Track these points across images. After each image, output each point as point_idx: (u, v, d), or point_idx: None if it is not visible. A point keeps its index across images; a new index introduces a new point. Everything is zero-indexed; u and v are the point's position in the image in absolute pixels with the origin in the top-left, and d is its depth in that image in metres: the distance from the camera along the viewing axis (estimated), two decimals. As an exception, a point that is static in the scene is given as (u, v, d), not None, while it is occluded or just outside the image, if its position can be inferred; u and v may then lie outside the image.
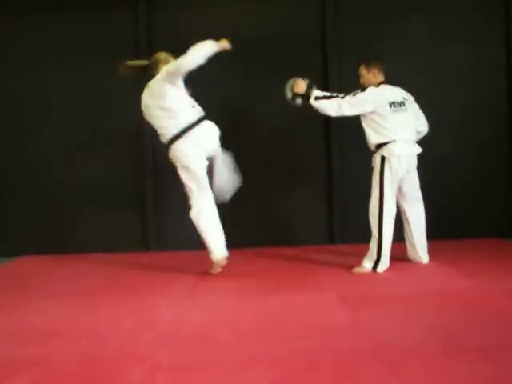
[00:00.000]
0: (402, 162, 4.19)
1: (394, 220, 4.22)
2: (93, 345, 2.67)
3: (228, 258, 4.25)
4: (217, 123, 4.41)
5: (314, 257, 4.92)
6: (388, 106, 4.21)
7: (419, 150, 4.32)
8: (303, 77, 4.38)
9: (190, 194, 4.22)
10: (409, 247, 4.44)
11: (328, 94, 4.34)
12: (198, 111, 4.26)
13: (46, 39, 5.70)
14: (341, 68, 5.56)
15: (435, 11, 5.66)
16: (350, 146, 5.51)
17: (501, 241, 5.38)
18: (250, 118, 5.66)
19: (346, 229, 5.62)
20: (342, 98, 4.22)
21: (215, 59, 5.39)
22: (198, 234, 4.22)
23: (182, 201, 4.39)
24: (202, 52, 4.06)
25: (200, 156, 4.19)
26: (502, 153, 5.69)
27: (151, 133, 4.55)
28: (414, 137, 4.36)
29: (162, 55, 4.27)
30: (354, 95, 4.22)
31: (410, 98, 4.36)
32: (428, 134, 4.55)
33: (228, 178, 4.49)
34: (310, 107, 4.32)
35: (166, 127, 4.20)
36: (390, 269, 4.16)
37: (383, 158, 4.18)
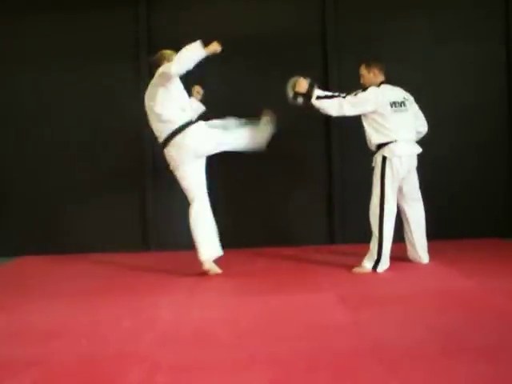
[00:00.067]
0: (403, 162, 4.20)
1: (395, 220, 4.23)
2: (93, 345, 2.67)
3: (221, 258, 4.27)
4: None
5: (314, 257, 4.92)
6: (389, 106, 4.21)
7: (419, 150, 4.32)
8: (304, 75, 4.36)
9: (186, 193, 4.26)
10: (409, 247, 4.44)
11: (330, 93, 4.33)
12: (187, 115, 4.21)
13: (45, 39, 5.70)
14: (341, 66, 5.56)
15: (435, 9, 5.66)
16: (350, 145, 5.51)
17: (501, 241, 5.38)
18: (250, 116, 5.64)
19: (346, 229, 5.62)
20: (344, 97, 4.22)
21: (215, 58, 5.39)
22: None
23: (181, 201, 4.39)
24: (190, 57, 4.01)
25: (186, 161, 4.20)
26: (502, 153, 5.69)
27: (151, 133, 4.54)
28: (415, 137, 4.36)
29: (166, 53, 4.24)
30: (356, 95, 4.22)
31: (410, 98, 4.36)
32: (428, 133, 4.55)
33: (245, 133, 4.45)
34: (312, 106, 4.31)
35: (158, 131, 4.26)
36: (390, 269, 4.16)
37: (384, 158, 4.18)
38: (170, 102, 4.12)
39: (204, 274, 4.19)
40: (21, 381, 2.24)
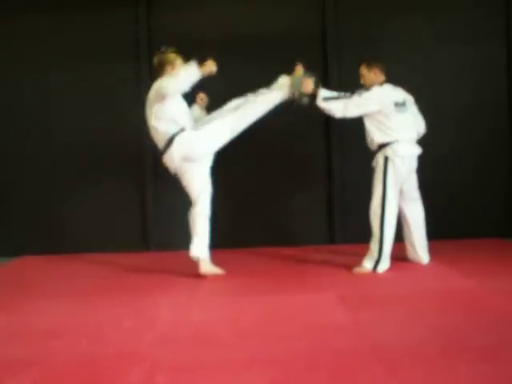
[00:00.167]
0: (405, 163, 4.20)
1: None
2: (93, 345, 2.67)
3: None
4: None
5: (314, 257, 4.92)
6: (393, 106, 4.21)
7: (420, 150, 4.32)
8: (308, 72, 4.29)
9: (189, 195, 4.29)
10: (408, 247, 4.44)
11: (335, 93, 4.26)
12: (178, 125, 4.17)
13: (46, 39, 5.70)
14: (341, 66, 5.56)
15: (435, 9, 5.66)
16: (350, 145, 5.51)
17: (501, 241, 5.38)
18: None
19: (346, 229, 5.62)
20: (349, 98, 4.18)
21: (215, 58, 5.38)
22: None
23: (182, 201, 4.39)
24: (187, 79, 4.04)
25: (183, 168, 4.21)
26: (502, 153, 5.69)
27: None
28: (415, 137, 4.36)
29: (169, 57, 4.20)
30: (360, 95, 4.19)
31: (410, 99, 4.36)
32: (428, 133, 4.55)
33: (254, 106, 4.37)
34: (316, 107, 4.27)
35: (155, 140, 4.30)
36: (390, 269, 4.16)
37: (386, 158, 4.17)
38: (163, 114, 4.14)
39: (202, 277, 4.17)
40: (21, 381, 2.24)
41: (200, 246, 4.17)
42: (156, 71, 4.24)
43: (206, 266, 4.18)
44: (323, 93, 4.22)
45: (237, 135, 4.35)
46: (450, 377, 2.13)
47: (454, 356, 2.34)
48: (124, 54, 5.70)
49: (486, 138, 5.65)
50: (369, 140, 4.32)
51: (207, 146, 4.22)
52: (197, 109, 4.45)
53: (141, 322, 3.06)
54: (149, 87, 4.27)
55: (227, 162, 5.30)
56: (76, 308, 3.43)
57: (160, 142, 4.24)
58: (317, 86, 4.23)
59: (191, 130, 4.20)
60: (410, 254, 4.44)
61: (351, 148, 5.46)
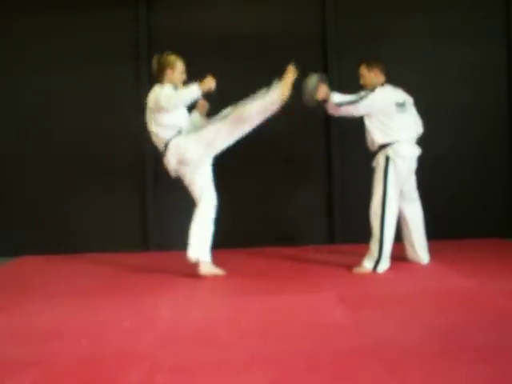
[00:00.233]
0: (406, 163, 4.21)
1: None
2: (93, 345, 2.67)
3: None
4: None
5: (314, 257, 4.92)
6: (394, 106, 4.21)
7: (419, 151, 4.33)
8: (321, 76, 4.25)
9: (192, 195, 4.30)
10: (408, 247, 4.44)
11: (347, 98, 4.19)
12: (173, 131, 4.18)
13: (45, 39, 5.71)
14: (341, 66, 5.57)
15: (435, 9, 5.67)
16: (350, 145, 5.51)
17: (501, 241, 5.38)
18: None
19: (346, 229, 5.63)
20: (358, 102, 4.15)
21: (215, 58, 5.41)
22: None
23: (182, 201, 4.40)
24: (186, 98, 4.07)
25: (176, 173, 4.25)
26: (502, 153, 5.69)
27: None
28: (415, 138, 4.36)
29: (169, 59, 4.19)
30: (366, 97, 4.17)
31: (409, 100, 4.36)
32: (428, 133, 4.54)
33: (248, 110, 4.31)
34: (326, 111, 4.24)
35: (156, 142, 4.31)
36: (390, 269, 4.17)
37: (387, 158, 4.17)
38: (163, 121, 4.16)
39: (202, 277, 4.17)
40: (21, 381, 2.24)
41: (198, 248, 4.16)
42: (156, 74, 4.22)
43: (206, 268, 4.17)
44: (337, 98, 4.16)
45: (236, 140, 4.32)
46: (450, 377, 2.13)
47: (453, 356, 2.34)
48: (124, 54, 5.70)
49: (486, 138, 5.65)
50: (369, 140, 4.32)
51: (198, 152, 4.18)
52: (197, 115, 4.42)
53: (141, 321, 3.06)
54: (149, 88, 4.26)
55: (227, 162, 5.30)
56: (76, 308, 3.43)
57: (160, 145, 4.27)
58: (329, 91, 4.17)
59: (186, 135, 4.20)
60: (410, 254, 4.44)
61: (351, 148, 5.47)
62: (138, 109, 4.46)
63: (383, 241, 4.14)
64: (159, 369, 2.31)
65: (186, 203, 4.30)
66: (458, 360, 2.29)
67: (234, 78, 5.63)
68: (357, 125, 4.38)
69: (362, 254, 4.25)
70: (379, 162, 4.23)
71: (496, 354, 2.35)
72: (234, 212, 5.48)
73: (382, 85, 4.27)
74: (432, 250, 4.45)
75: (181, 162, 4.18)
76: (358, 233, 4.71)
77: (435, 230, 4.65)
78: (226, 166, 4.97)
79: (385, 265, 4.17)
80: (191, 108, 4.38)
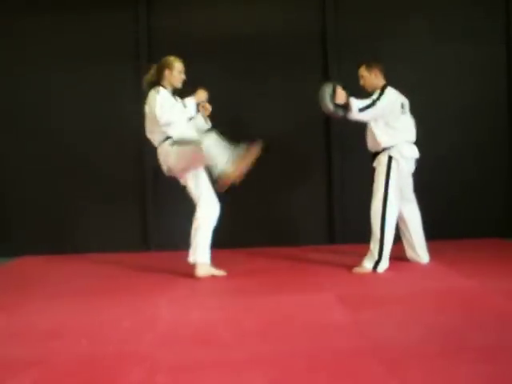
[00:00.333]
0: (408, 164, 4.22)
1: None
2: (93, 345, 2.67)
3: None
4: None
5: (314, 257, 4.92)
6: (400, 107, 4.22)
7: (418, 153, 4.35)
8: (335, 82, 4.20)
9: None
10: (407, 247, 4.44)
11: (366, 101, 4.14)
12: (162, 136, 4.21)
13: (45, 39, 5.71)
14: (341, 66, 5.57)
15: (435, 9, 5.67)
16: (350, 145, 5.51)
17: (501, 241, 5.38)
18: (250, 116, 5.66)
19: (346, 229, 5.63)
20: (375, 104, 4.12)
21: (215, 58, 5.41)
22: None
23: (182, 201, 4.39)
24: (179, 116, 4.13)
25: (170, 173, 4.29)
26: (502, 153, 5.69)
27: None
28: (414, 139, 4.36)
29: (167, 60, 4.21)
30: (379, 99, 4.14)
31: (407, 102, 4.35)
32: (428, 133, 4.56)
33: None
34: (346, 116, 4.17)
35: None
36: (389, 269, 4.17)
37: (390, 158, 4.17)
38: (151, 127, 4.23)
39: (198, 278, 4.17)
40: (21, 381, 2.24)
41: (196, 249, 4.15)
42: (157, 74, 4.23)
43: (203, 270, 4.15)
44: (357, 103, 4.09)
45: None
46: (450, 377, 2.13)
47: (453, 356, 2.34)
48: (124, 54, 5.71)
49: (486, 138, 5.65)
50: (371, 142, 4.30)
51: (180, 166, 4.19)
52: (200, 118, 4.41)
53: (141, 321, 3.06)
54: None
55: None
56: (76, 308, 3.43)
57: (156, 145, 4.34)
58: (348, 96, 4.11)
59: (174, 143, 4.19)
60: (409, 254, 4.44)
61: (351, 148, 5.47)
62: (138, 109, 4.45)
63: (384, 241, 4.14)
64: (159, 369, 2.31)
65: (186, 203, 4.30)
66: (458, 360, 2.29)
67: (234, 78, 5.65)
68: (357, 125, 4.37)
69: (361, 254, 4.25)
70: (381, 162, 4.22)
71: (496, 354, 2.35)
72: (234, 212, 5.47)
73: (385, 86, 4.25)
74: (432, 250, 4.45)
75: (170, 168, 4.23)
76: (358, 233, 4.71)
77: (435, 230, 4.65)
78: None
79: (384, 265, 4.17)
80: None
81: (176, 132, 4.16)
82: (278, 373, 2.22)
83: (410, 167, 4.27)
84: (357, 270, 4.20)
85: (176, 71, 4.20)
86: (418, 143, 4.36)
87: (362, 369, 2.24)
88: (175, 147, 4.14)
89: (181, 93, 4.32)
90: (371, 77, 4.29)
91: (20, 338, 2.82)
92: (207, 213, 4.18)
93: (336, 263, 4.54)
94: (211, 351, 2.52)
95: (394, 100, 4.21)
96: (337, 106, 4.09)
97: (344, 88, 4.10)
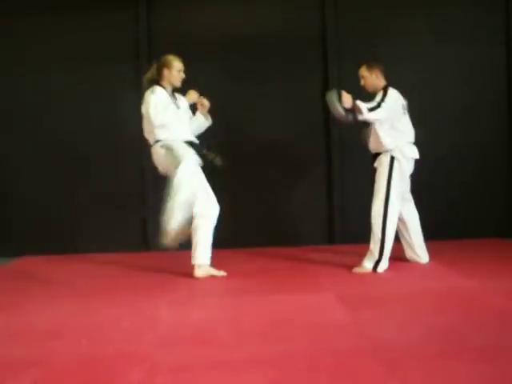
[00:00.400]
0: (409, 164, 4.22)
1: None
2: (93, 345, 2.67)
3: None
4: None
5: (314, 257, 4.92)
6: (402, 108, 4.22)
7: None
8: (337, 89, 4.16)
9: None
10: (406, 247, 4.44)
11: (372, 104, 4.10)
12: (152, 137, 4.25)
13: (45, 39, 5.71)
14: (341, 66, 5.57)
15: (435, 8, 5.67)
16: (350, 145, 5.51)
17: (501, 241, 5.38)
18: (250, 116, 5.66)
19: (346, 229, 5.63)
20: (381, 105, 4.09)
21: (215, 58, 5.40)
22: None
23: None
24: (173, 117, 4.14)
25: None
26: (502, 153, 5.69)
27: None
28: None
29: (167, 59, 4.20)
30: (384, 100, 4.11)
31: (406, 103, 4.35)
32: (428, 134, 4.56)
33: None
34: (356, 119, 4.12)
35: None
36: (389, 269, 4.16)
37: (393, 159, 4.17)
38: (151, 127, 4.23)
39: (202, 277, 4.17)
40: (21, 381, 2.24)
41: (195, 251, 4.14)
42: (156, 73, 4.23)
43: (202, 270, 4.15)
44: (365, 104, 4.05)
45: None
46: (450, 377, 2.13)
47: (453, 356, 2.34)
48: (124, 54, 5.71)
49: (486, 138, 5.65)
50: (373, 143, 4.28)
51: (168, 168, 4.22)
52: (200, 116, 4.41)
53: (141, 322, 3.06)
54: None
55: (227, 162, 5.29)
56: (76, 308, 3.43)
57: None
58: (354, 100, 4.07)
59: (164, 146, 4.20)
60: (408, 253, 4.45)
61: (351, 148, 5.47)
62: (138, 109, 4.45)
63: (384, 241, 4.14)
64: (159, 369, 2.31)
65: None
66: (458, 360, 2.29)
67: (234, 78, 5.65)
68: (356, 125, 4.36)
69: (361, 254, 4.25)
70: (383, 162, 4.21)
71: (496, 354, 2.35)
72: (234, 212, 5.47)
73: (386, 86, 4.24)
74: (432, 250, 4.45)
75: (162, 168, 4.27)
76: (358, 233, 4.70)
77: (435, 230, 4.65)
78: (226, 166, 4.97)
79: (384, 265, 4.17)
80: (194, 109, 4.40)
81: (172, 135, 4.15)
82: (278, 373, 2.22)
83: (411, 167, 4.28)
84: (357, 269, 4.20)
85: (175, 70, 4.18)
86: (418, 143, 4.35)
87: (362, 369, 2.24)
88: (163, 150, 4.17)
89: (181, 93, 4.33)
90: (372, 77, 4.28)
91: (20, 338, 2.82)
92: (205, 214, 4.14)
93: (336, 263, 4.54)
94: (211, 351, 2.52)
95: (397, 100, 4.20)
96: (346, 110, 4.06)
97: (348, 92, 4.08)
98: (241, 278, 4.14)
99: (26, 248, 5.50)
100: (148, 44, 5.64)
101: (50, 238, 5.61)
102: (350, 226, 5.59)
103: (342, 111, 4.04)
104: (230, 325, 2.94)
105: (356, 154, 5.27)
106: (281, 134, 5.63)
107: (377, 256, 4.15)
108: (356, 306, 3.22)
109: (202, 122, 4.42)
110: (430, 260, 4.41)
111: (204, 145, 4.26)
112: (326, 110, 4.38)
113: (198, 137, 4.39)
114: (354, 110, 4.04)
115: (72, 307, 3.45)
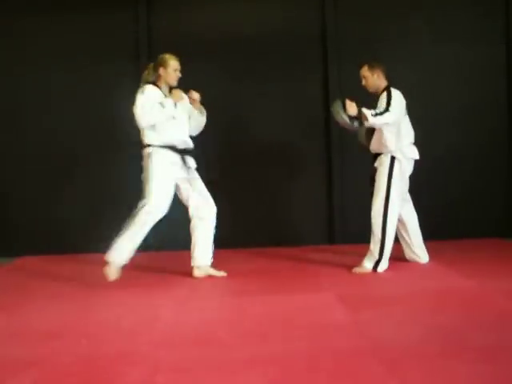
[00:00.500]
0: (410, 165, 4.23)
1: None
2: (93, 345, 2.67)
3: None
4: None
5: (314, 257, 4.92)
6: (405, 109, 4.21)
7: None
8: (340, 99, 4.15)
9: None
10: (405, 247, 4.44)
11: (381, 108, 4.08)
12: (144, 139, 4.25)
13: (45, 39, 5.71)
14: (341, 66, 5.57)
15: (435, 9, 5.67)
16: (350, 145, 5.51)
17: (501, 241, 5.38)
18: (250, 116, 5.66)
19: (346, 229, 5.63)
20: (389, 107, 4.06)
21: (215, 58, 5.40)
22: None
23: (181, 201, 4.39)
24: (159, 116, 4.04)
25: None
26: (502, 153, 5.69)
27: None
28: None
29: (162, 58, 4.14)
30: (390, 103, 4.07)
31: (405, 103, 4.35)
32: (428, 134, 4.56)
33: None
34: (362, 125, 4.10)
35: None
36: (389, 269, 4.17)
37: (393, 159, 4.17)
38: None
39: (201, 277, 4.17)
40: (21, 381, 2.24)
41: (196, 252, 4.13)
42: (154, 72, 4.22)
43: (201, 272, 4.15)
44: (368, 111, 4.02)
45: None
46: (450, 377, 2.13)
47: (453, 356, 2.34)
48: (124, 54, 5.71)
49: (486, 138, 5.65)
50: (375, 144, 4.26)
51: None
52: (194, 112, 4.30)
53: (141, 322, 3.06)
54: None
55: (227, 162, 5.31)
56: (76, 308, 3.43)
57: None
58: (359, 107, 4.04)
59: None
60: (407, 253, 4.45)
61: (351, 148, 5.46)
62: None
63: (385, 241, 4.13)
64: (159, 369, 2.31)
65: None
66: (458, 360, 2.29)
67: (234, 78, 5.65)
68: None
69: (361, 254, 4.25)
70: (383, 162, 4.21)
71: (496, 354, 2.35)
72: (234, 212, 5.48)
73: (388, 87, 4.23)
74: (431, 250, 4.45)
75: None
76: (358, 233, 4.71)
77: (435, 230, 4.66)
78: (226, 166, 4.99)
79: (384, 265, 4.17)
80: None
81: (161, 138, 4.10)
82: (278, 373, 2.22)
83: (411, 168, 4.28)
84: (357, 269, 4.20)
85: (171, 69, 4.12)
86: (417, 143, 4.35)
87: (362, 369, 2.24)
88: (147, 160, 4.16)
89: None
90: (373, 77, 4.26)
91: (20, 338, 2.82)
92: (201, 214, 4.16)
93: (336, 263, 4.54)
94: (211, 351, 2.52)
95: (402, 102, 4.17)
96: (351, 118, 4.05)
97: (352, 100, 4.06)
98: (241, 278, 4.14)
99: (26, 248, 5.50)
100: (148, 44, 5.64)
101: (49, 238, 5.61)
102: (349, 226, 5.59)
103: (347, 120, 4.05)
104: (230, 325, 2.94)
105: (356, 154, 5.27)
106: (281, 134, 5.63)
107: (377, 256, 4.15)
108: (356, 306, 3.22)
109: (199, 117, 4.29)
110: (429, 260, 4.41)
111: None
112: (326, 110, 4.37)
113: (198, 137, 4.38)
114: (360, 118, 4.02)
115: (72, 307, 3.45)
